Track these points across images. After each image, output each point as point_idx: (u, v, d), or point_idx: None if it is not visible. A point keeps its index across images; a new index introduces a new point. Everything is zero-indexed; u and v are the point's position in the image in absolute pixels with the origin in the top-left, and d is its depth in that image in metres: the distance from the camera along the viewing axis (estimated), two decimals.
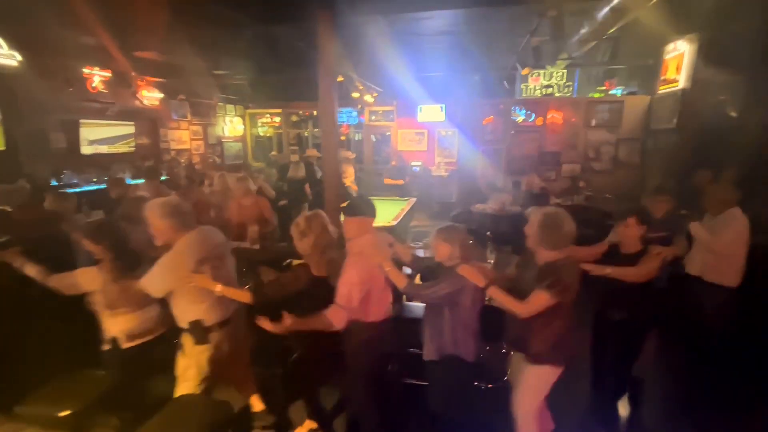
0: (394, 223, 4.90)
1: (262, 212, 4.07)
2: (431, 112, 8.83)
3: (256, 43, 7.07)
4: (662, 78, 6.69)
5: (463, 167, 8.42)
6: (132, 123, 7.34)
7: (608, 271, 2.23)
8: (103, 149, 6.82)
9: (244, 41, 6.79)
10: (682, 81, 6.09)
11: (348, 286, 1.99)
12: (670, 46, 6.37)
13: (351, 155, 8.85)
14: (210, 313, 2.14)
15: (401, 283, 2.09)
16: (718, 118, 5.97)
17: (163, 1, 4.35)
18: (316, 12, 3.19)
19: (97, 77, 6.26)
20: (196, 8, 4.82)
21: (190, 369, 2.17)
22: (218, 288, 2.05)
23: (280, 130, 10.93)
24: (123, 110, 7.03)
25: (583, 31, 5.07)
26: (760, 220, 3.35)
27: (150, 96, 7.36)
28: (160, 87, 7.55)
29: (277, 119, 10.87)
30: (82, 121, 6.38)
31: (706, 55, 5.65)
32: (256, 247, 3.65)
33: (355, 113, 10.24)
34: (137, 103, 7.22)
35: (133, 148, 7.42)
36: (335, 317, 1.96)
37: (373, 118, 9.85)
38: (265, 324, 1.89)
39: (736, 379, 2.96)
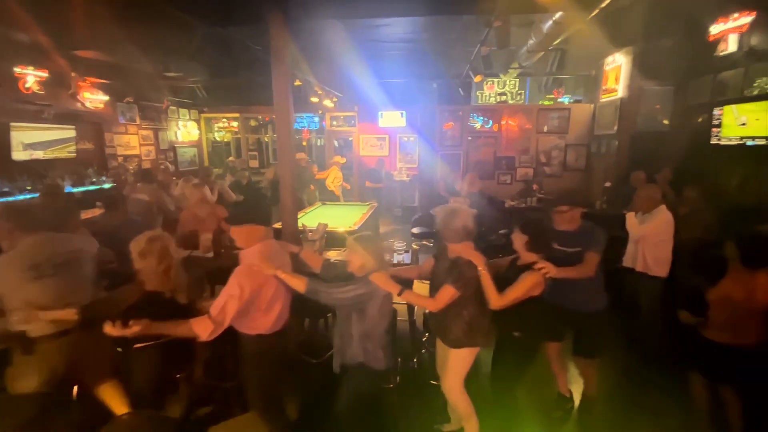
0: (356, 227, 4.90)
1: (219, 220, 3.92)
2: (392, 118, 8.94)
3: (210, 46, 6.85)
4: (603, 87, 7.19)
5: (424, 172, 8.58)
6: (72, 127, 6.84)
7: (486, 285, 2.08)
8: (39, 154, 6.30)
9: (196, 43, 6.55)
10: (620, 90, 6.58)
11: (225, 297, 1.90)
12: (610, 59, 6.88)
13: (342, 160, 8.74)
14: (38, 325, 2.04)
15: (301, 287, 2.01)
16: (653, 125, 6.53)
17: None
18: (267, 15, 3.15)
19: (31, 77, 5.77)
20: (141, 7, 4.60)
21: (15, 379, 2.08)
22: (42, 315, 2.00)
23: (239, 135, 10.62)
24: (62, 113, 6.53)
25: (530, 42, 5.36)
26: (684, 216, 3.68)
27: (93, 98, 6.89)
28: (105, 89, 7.10)
29: (235, 124, 10.56)
30: (12, 124, 5.85)
31: (640, 67, 6.15)
32: (210, 255, 3.52)
33: (316, 118, 10.17)
34: (78, 105, 6.73)
35: (74, 154, 6.90)
36: (200, 327, 1.86)
37: (335, 123, 9.83)
38: (111, 330, 1.76)
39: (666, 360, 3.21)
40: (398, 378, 2.91)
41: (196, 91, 9.72)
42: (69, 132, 6.81)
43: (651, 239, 3.14)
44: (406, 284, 2.11)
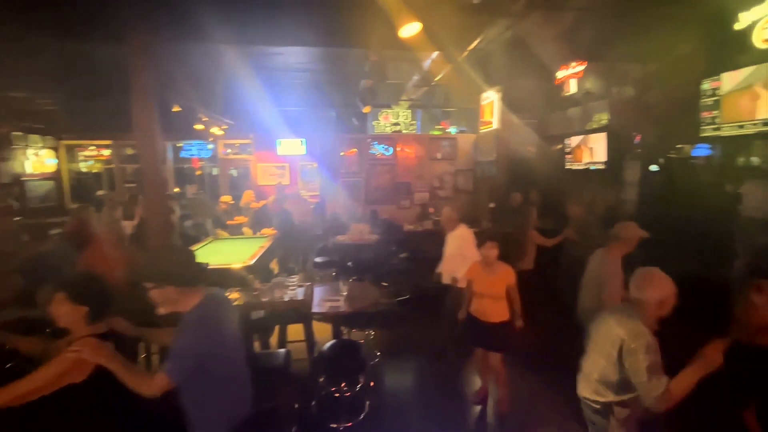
0: (251, 262, 4.53)
1: None
2: (291, 146, 8.73)
3: (69, 63, 5.91)
4: (482, 120, 8.08)
5: (326, 199, 8.49)
6: None
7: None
8: None
9: (51, 60, 5.59)
10: (495, 123, 7.44)
11: None
12: (485, 95, 7.79)
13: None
14: None
15: None
16: (524, 152, 7.51)
17: None
18: (128, 35, 2.81)
19: None
20: None
21: None
22: None
23: (112, 165, 9.28)
24: None
25: (415, 77, 5.80)
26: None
27: None
28: None
29: (107, 152, 9.22)
30: None
31: (508, 103, 7.08)
32: None
33: (210, 146, 9.45)
34: None
35: None
36: None
37: (229, 151, 9.25)
38: None
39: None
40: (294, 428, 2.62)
41: (53, 115, 8.25)
42: None
43: (452, 255, 3.48)
44: None
